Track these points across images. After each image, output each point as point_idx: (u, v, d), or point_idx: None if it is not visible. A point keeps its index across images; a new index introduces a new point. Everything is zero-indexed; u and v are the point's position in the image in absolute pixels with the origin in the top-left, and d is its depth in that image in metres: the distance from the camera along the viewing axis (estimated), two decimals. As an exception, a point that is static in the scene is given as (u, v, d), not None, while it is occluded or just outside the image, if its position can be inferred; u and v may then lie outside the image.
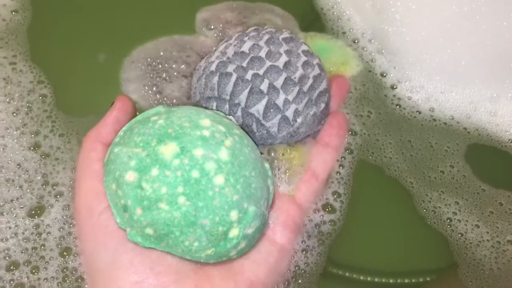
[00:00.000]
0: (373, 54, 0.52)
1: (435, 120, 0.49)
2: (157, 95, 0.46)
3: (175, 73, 0.47)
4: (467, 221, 0.43)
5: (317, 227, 0.41)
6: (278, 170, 0.41)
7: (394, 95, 0.50)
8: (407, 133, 0.48)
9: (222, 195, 0.33)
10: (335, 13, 0.55)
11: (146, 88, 0.47)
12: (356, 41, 0.53)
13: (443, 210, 0.44)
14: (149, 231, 0.33)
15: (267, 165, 0.38)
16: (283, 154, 0.42)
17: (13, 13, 0.49)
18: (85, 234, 0.36)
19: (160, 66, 0.47)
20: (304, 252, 0.40)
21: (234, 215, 0.34)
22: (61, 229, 0.38)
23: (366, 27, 0.54)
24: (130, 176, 0.34)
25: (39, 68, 0.46)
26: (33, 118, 0.43)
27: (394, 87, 0.50)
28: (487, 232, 0.43)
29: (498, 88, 0.50)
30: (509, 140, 0.48)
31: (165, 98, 0.46)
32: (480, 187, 0.45)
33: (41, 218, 0.38)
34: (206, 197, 0.33)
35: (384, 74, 0.51)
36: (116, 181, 0.34)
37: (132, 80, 0.47)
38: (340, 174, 0.44)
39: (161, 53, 0.48)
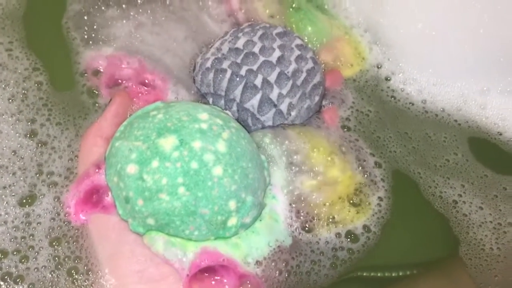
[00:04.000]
0: (368, 45, 0.53)
1: (427, 112, 0.50)
2: (92, 34, 0.47)
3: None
4: (471, 203, 0.45)
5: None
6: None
7: (388, 87, 0.51)
8: (403, 125, 0.49)
9: (220, 185, 0.34)
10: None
11: (85, 26, 0.48)
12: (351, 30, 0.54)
13: (450, 193, 0.45)
14: (151, 221, 0.35)
15: (263, 157, 0.39)
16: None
17: (9, -2, 0.50)
18: (88, 226, 0.37)
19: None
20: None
21: (232, 204, 0.35)
22: (52, 220, 0.38)
23: (361, 18, 0.54)
24: (131, 169, 0.35)
25: (35, 55, 0.47)
26: (29, 106, 0.43)
27: (388, 79, 0.51)
28: (490, 214, 0.44)
29: (488, 82, 0.51)
30: (498, 132, 0.49)
31: (101, 37, 0.47)
32: (483, 172, 0.47)
33: (32, 208, 0.38)
34: (205, 187, 0.34)
35: (379, 66, 0.52)
36: (117, 173, 0.35)
37: (74, 15, 0.48)
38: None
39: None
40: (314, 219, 0.40)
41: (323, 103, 0.46)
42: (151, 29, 0.49)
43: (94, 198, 0.37)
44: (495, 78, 0.51)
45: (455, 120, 0.50)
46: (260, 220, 0.38)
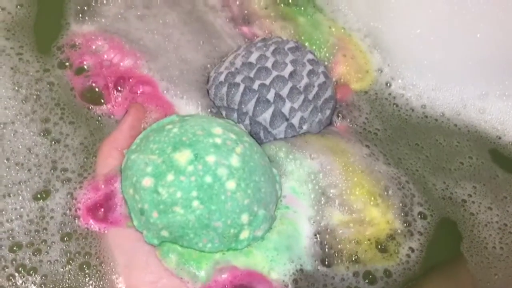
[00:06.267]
0: (369, 49, 0.54)
1: (426, 117, 0.51)
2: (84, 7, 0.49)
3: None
4: (480, 203, 0.45)
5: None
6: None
7: (390, 94, 0.51)
8: (412, 136, 0.49)
9: (233, 199, 0.35)
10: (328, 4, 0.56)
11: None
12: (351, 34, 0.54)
13: (460, 193, 0.45)
14: (165, 233, 0.35)
15: (275, 171, 0.40)
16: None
17: (18, 7, 0.51)
18: (103, 236, 0.38)
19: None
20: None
21: (245, 218, 0.36)
22: (64, 215, 0.39)
23: (361, 24, 0.55)
24: (147, 182, 0.35)
25: (45, 58, 0.48)
26: (42, 106, 0.44)
27: (388, 84, 0.52)
28: (497, 215, 0.45)
29: (486, 86, 0.52)
30: (497, 136, 0.50)
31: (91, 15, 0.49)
32: (495, 173, 0.47)
33: (46, 202, 0.39)
34: (219, 201, 0.35)
35: (380, 71, 0.53)
36: (133, 186, 0.36)
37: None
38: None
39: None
40: (335, 254, 0.39)
41: (334, 116, 0.47)
42: (142, 11, 0.50)
43: (101, 214, 0.38)
44: (493, 82, 0.52)
45: (455, 125, 0.51)
46: (271, 228, 0.38)
